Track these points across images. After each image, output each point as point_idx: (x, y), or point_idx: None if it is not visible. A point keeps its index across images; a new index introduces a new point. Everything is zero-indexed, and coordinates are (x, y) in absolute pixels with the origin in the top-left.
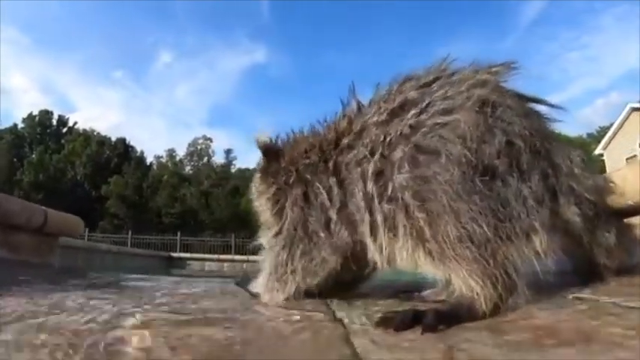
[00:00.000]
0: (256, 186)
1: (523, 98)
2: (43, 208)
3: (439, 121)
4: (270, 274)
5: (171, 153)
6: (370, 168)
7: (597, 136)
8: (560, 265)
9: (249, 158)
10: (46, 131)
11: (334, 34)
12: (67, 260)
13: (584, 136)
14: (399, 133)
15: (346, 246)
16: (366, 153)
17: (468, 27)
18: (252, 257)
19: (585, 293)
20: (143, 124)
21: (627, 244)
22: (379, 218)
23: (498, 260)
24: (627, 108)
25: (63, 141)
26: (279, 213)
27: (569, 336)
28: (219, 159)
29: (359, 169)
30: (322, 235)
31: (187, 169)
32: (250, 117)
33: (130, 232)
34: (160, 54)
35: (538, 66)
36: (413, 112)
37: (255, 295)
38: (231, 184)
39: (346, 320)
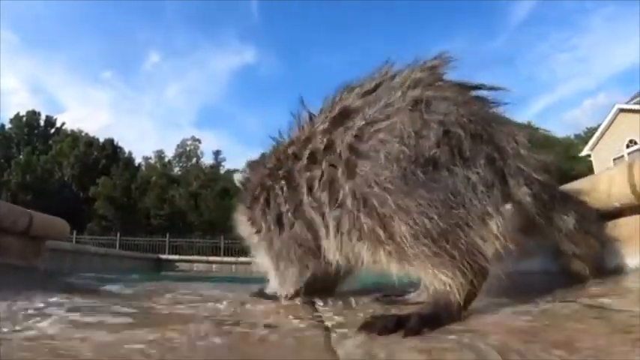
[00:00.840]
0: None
1: (463, 87)
2: (29, 210)
3: (378, 127)
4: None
5: (159, 154)
6: (316, 175)
7: (585, 137)
8: (543, 265)
9: (239, 159)
10: (33, 132)
11: (324, 35)
12: (55, 263)
13: (572, 136)
14: (341, 141)
15: (310, 244)
16: (311, 160)
17: (458, 26)
18: (241, 259)
19: (570, 296)
20: (132, 125)
21: (593, 231)
22: (331, 223)
23: (461, 248)
24: (615, 109)
25: (50, 142)
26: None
27: (554, 339)
28: (208, 160)
29: (306, 176)
30: (287, 234)
31: (176, 170)
32: (240, 118)
33: (118, 234)
34: (149, 54)
35: (528, 66)
36: (356, 120)
37: (274, 297)
38: (220, 186)
39: (329, 324)
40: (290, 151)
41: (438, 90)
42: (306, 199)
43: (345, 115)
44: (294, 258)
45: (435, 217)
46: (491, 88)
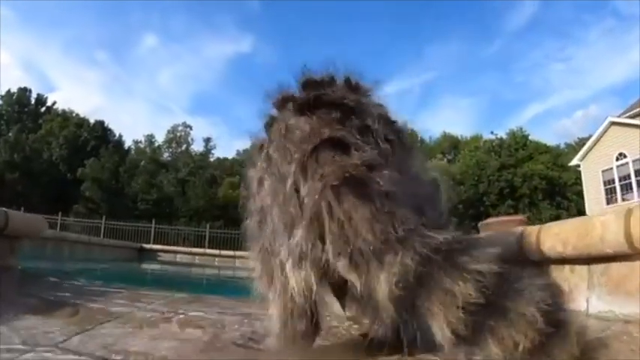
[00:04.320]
0: None
1: None
2: (4, 209)
3: None
4: None
5: (150, 139)
6: None
7: (575, 147)
8: None
9: (229, 148)
10: (23, 110)
11: (322, 28)
12: (36, 252)
13: (562, 145)
14: None
15: None
16: None
17: (456, 28)
18: (224, 252)
19: None
20: (123, 108)
21: None
22: None
23: None
24: (606, 121)
25: (40, 121)
26: None
27: None
28: (198, 147)
29: None
30: None
31: (165, 155)
32: (232, 107)
33: (103, 218)
34: (144, 37)
35: (522, 73)
36: None
37: None
38: (209, 173)
39: None
40: None
41: None
42: None
43: None
44: None
45: None
46: None
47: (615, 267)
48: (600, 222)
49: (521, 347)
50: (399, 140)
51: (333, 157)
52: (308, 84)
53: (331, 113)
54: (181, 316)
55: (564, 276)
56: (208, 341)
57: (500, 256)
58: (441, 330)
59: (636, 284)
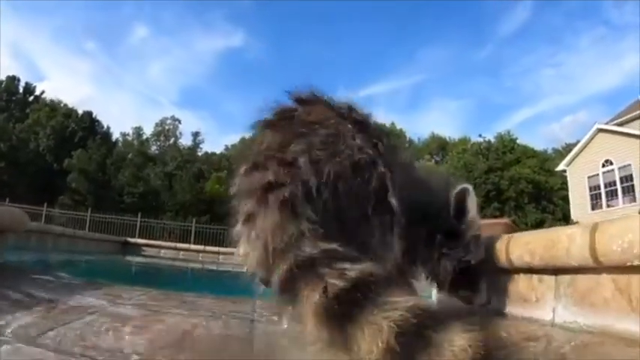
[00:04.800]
0: None
1: None
2: None
3: None
4: None
5: (138, 131)
6: None
7: (562, 152)
8: None
9: (217, 143)
10: (11, 98)
11: (314, 26)
12: (20, 244)
13: (550, 150)
14: None
15: None
16: None
17: (449, 31)
18: (208, 247)
19: None
20: (112, 99)
21: None
22: None
23: None
24: (594, 128)
25: (28, 110)
26: None
27: None
28: (186, 141)
29: None
30: None
31: (153, 148)
32: (221, 101)
33: (89, 210)
34: (135, 28)
35: (512, 77)
36: None
37: None
38: (196, 168)
39: None
40: None
41: None
42: None
43: None
44: None
45: None
46: None
47: (581, 279)
48: (567, 235)
49: None
50: None
51: None
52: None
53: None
54: (156, 312)
55: (532, 285)
56: (180, 338)
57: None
58: None
59: (601, 297)
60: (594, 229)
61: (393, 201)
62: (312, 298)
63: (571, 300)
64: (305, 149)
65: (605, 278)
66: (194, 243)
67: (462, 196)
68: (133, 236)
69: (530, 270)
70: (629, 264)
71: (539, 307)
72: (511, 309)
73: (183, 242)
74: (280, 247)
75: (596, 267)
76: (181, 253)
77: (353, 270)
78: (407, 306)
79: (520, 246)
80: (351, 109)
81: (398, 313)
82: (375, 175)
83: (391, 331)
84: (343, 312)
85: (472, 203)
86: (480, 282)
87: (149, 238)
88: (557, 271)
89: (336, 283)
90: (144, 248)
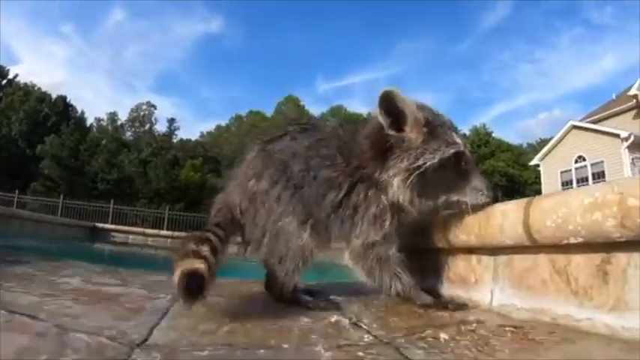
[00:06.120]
0: None
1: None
2: None
3: None
4: None
5: (112, 117)
6: None
7: (537, 147)
8: None
9: (192, 130)
10: None
11: (294, 15)
12: None
13: (525, 145)
14: None
15: None
16: None
17: (427, 24)
18: (176, 233)
19: None
20: (87, 83)
21: None
22: None
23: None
24: (568, 125)
25: (1, 94)
26: None
27: None
28: (161, 127)
29: None
30: None
31: (128, 135)
32: (198, 87)
33: (61, 197)
34: (112, 11)
35: (490, 72)
36: None
37: None
38: (171, 155)
39: None
40: None
41: None
42: None
43: None
44: None
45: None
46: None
47: (518, 259)
48: (501, 211)
49: None
50: None
51: None
52: None
53: None
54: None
55: (472, 266)
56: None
57: None
58: None
59: (538, 278)
60: (529, 203)
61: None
62: None
63: (508, 282)
64: None
65: (542, 258)
66: (167, 230)
67: (390, 100)
68: (104, 222)
69: (470, 250)
70: (565, 242)
71: (478, 288)
72: (452, 291)
73: (157, 229)
74: None
75: (532, 246)
76: (150, 239)
77: None
78: None
79: (457, 224)
80: None
81: None
82: None
83: None
84: None
85: (403, 102)
86: None
87: (119, 224)
88: (495, 250)
89: None
90: (113, 234)
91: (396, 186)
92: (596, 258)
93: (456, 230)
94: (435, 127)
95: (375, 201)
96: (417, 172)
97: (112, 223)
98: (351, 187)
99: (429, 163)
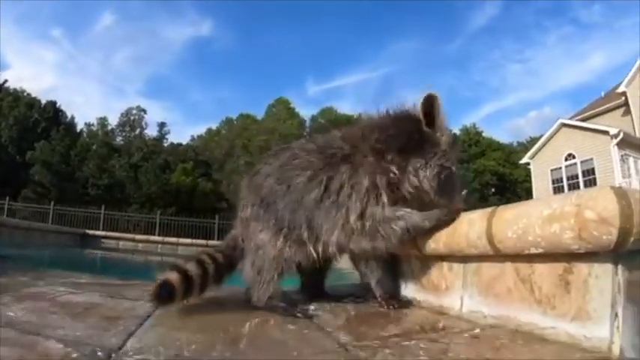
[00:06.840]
0: None
1: None
2: None
3: None
4: None
5: (103, 121)
6: None
7: (527, 146)
8: None
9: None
10: None
11: (283, 17)
12: None
13: (515, 144)
14: None
15: None
16: None
17: (418, 24)
18: (167, 238)
19: None
20: (77, 88)
21: None
22: None
23: None
24: (558, 123)
25: None
26: None
27: None
28: (152, 132)
29: None
30: None
31: (118, 139)
32: (188, 91)
33: (52, 203)
34: (102, 15)
35: (480, 72)
36: None
37: None
38: (162, 159)
39: None
40: None
41: None
42: None
43: None
44: None
45: None
46: None
47: (486, 267)
48: (467, 220)
49: None
50: None
51: None
52: None
53: None
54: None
55: (443, 273)
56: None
57: None
58: None
59: (504, 286)
60: (492, 214)
61: None
62: None
63: (476, 289)
64: None
65: (508, 267)
66: (158, 235)
67: (431, 102)
68: (98, 229)
69: (441, 257)
70: (526, 252)
71: (449, 295)
72: (425, 297)
73: (148, 234)
74: None
75: (494, 255)
76: (140, 244)
77: None
78: None
79: (427, 232)
80: None
81: None
82: None
83: None
84: None
85: (439, 108)
86: None
87: (109, 231)
88: (465, 258)
89: None
90: (103, 240)
91: (424, 177)
92: (559, 267)
93: (426, 238)
94: (454, 140)
95: (365, 177)
96: (447, 171)
97: (103, 229)
98: (330, 176)
99: (454, 168)
